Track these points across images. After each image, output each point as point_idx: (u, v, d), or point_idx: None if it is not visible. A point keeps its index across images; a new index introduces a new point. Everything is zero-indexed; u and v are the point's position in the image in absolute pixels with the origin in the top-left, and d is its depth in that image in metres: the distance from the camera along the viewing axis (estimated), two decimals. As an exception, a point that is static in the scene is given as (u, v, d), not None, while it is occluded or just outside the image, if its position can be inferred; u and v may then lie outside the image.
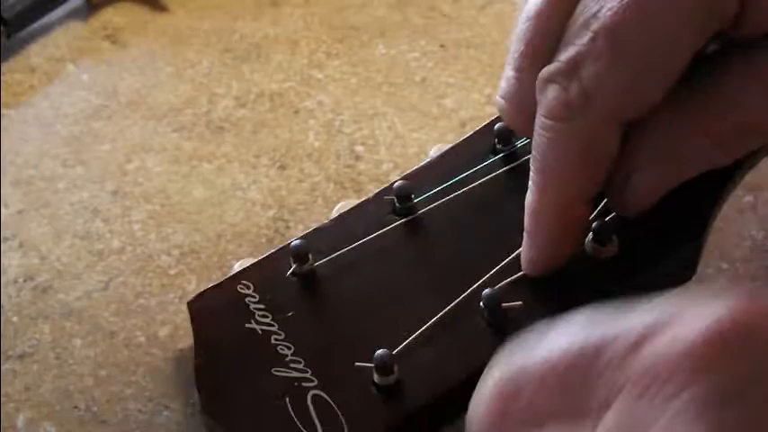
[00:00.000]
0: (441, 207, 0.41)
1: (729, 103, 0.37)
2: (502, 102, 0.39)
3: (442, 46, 0.59)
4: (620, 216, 0.39)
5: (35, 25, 0.60)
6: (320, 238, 0.41)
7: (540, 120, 0.37)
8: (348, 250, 0.40)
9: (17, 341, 0.46)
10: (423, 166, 0.43)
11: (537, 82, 0.37)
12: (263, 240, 0.49)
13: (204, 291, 0.40)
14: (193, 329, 0.39)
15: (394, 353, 0.36)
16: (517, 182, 0.41)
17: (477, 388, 0.31)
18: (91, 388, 0.44)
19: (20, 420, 0.43)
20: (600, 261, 0.38)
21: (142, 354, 0.45)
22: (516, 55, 0.38)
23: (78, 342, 0.46)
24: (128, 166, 0.53)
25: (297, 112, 0.55)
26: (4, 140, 0.54)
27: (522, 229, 0.38)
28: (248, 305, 0.39)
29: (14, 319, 0.47)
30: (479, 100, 0.55)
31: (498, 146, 0.43)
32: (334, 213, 0.42)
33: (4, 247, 0.49)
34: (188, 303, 0.40)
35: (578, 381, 0.29)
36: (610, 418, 0.27)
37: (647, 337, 0.28)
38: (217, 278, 0.48)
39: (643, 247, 0.38)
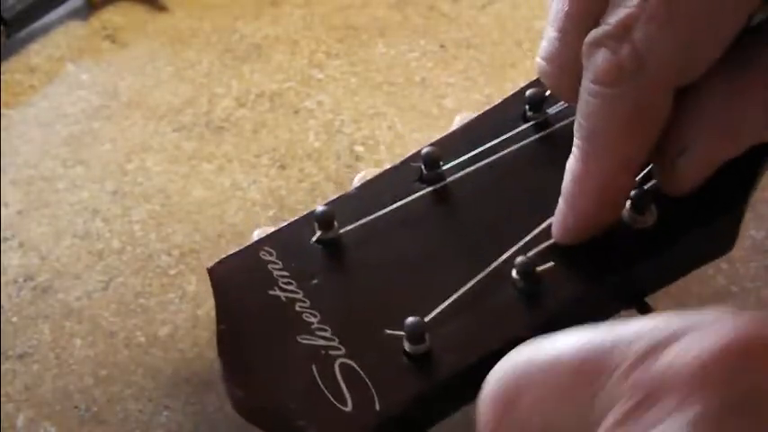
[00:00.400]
0: (469, 175, 0.40)
1: None
2: (543, 64, 0.38)
3: (442, 46, 0.59)
4: (657, 187, 0.38)
5: (35, 25, 0.60)
6: (345, 204, 0.39)
7: (587, 85, 0.36)
8: (375, 218, 0.39)
9: (17, 341, 0.46)
10: (451, 133, 0.42)
11: (584, 45, 0.36)
12: (263, 240, 0.49)
13: (225, 257, 0.39)
14: (215, 296, 0.38)
15: (425, 321, 0.35)
16: (548, 150, 0.40)
17: (484, 383, 0.31)
18: (91, 388, 0.44)
19: (20, 420, 0.43)
20: (637, 230, 0.37)
21: (142, 354, 0.45)
22: (560, 14, 0.37)
23: (78, 342, 0.46)
24: (128, 166, 0.53)
25: (297, 112, 0.55)
26: (4, 140, 0.54)
27: (554, 197, 0.37)
28: (271, 272, 0.38)
29: (14, 319, 0.47)
30: (479, 100, 0.55)
31: (529, 113, 0.42)
32: (356, 182, 0.41)
33: (4, 247, 0.49)
34: (209, 270, 0.39)
35: (585, 383, 0.29)
36: (609, 421, 0.27)
37: (659, 347, 0.28)
38: (217, 278, 0.48)
39: (681, 217, 0.37)
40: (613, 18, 0.35)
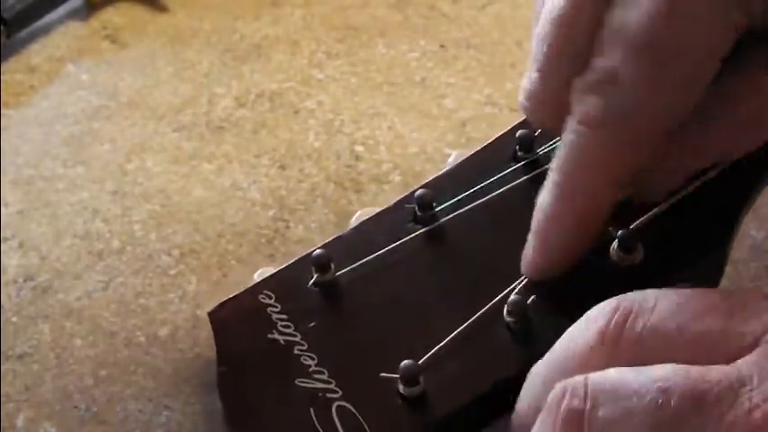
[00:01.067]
0: (462, 216, 0.41)
1: (744, 97, 0.36)
2: (525, 103, 0.39)
3: (442, 46, 0.59)
4: (645, 223, 0.38)
5: (35, 25, 0.60)
6: (341, 247, 0.40)
7: (573, 125, 0.36)
8: (370, 259, 0.40)
9: (17, 341, 0.46)
10: (443, 174, 0.42)
11: (574, 91, 0.36)
12: (263, 240, 0.49)
13: (225, 301, 0.40)
14: (215, 340, 0.39)
15: (419, 363, 0.36)
16: (539, 190, 0.41)
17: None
18: (91, 388, 0.44)
19: (20, 420, 0.43)
20: (625, 269, 0.38)
21: (142, 354, 0.45)
22: (539, 56, 0.38)
23: (78, 342, 0.46)
24: (128, 166, 0.53)
25: (297, 112, 0.55)
26: (4, 140, 0.54)
27: None
28: (270, 315, 0.39)
29: (14, 319, 0.47)
30: (479, 100, 0.55)
31: (520, 153, 0.42)
32: (354, 222, 0.41)
33: (4, 247, 0.49)
34: (209, 314, 0.40)
35: (722, 317, 0.28)
36: (745, 360, 0.27)
37: None
38: (217, 278, 0.48)
39: (668, 254, 0.38)
40: (600, 65, 0.35)
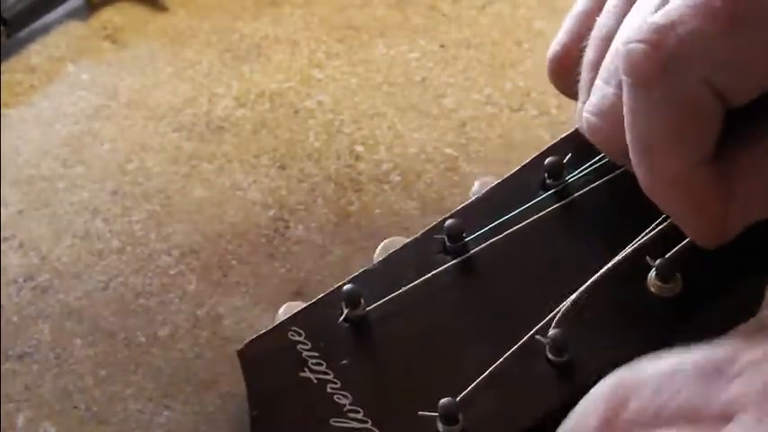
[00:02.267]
0: (493, 246, 0.40)
1: None
2: (595, 120, 0.37)
3: (442, 46, 0.59)
4: (682, 252, 0.38)
5: (35, 25, 0.60)
6: (371, 280, 0.39)
7: (628, 91, 0.34)
8: (401, 293, 0.39)
9: (17, 341, 0.46)
10: (472, 203, 0.42)
11: (622, 44, 0.34)
12: (263, 240, 0.49)
13: (253, 339, 0.39)
14: (246, 380, 0.38)
15: (458, 399, 0.35)
16: (571, 218, 0.40)
17: (580, 402, 0.31)
18: (91, 388, 0.44)
19: (20, 420, 0.43)
20: (664, 299, 0.37)
21: (142, 354, 0.45)
22: (615, 68, 0.36)
23: (78, 342, 0.46)
24: (128, 166, 0.53)
25: (297, 112, 0.55)
26: (4, 140, 0.54)
27: (577, 266, 0.38)
28: (301, 353, 0.38)
29: (14, 319, 0.47)
30: (479, 100, 0.55)
31: (549, 181, 0.41)
32: (379, 252, 0.41)
33: (4, 247, 0.49)
34: (238, 352, 0.39)
35: (701, 384, 0.28)
36: (738, 421, 0.27)
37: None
38: (217, 278, 0.48)
39: (707, 282, 0.38)
40: (657, 15, 0.34)
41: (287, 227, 0.50)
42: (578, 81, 0.40)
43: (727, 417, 0.27)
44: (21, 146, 0.54)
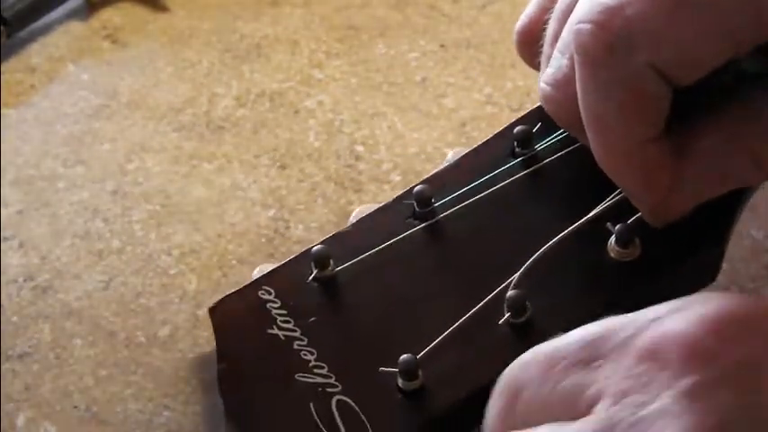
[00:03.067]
0: (461, 211, 0.41)
1: None
2: (549, 89, 0.38)
3: (442, 46, 0.59)
4: (642, 219, 0.39)
5: (35, 25, 0.60)
6: (341, 243, 0.40)
7: (580, 69, 0.35)
8: (369, 255, 0.40)
9: (17, 341, 0.46)
10: (442, 170, 0.43)
11: (572, 25, 0.35)
12: (263, 240, 0.49)
13: (225, 297, 0.40)
14: (215, 335, 0.39)
15: (418, 357, 0.36)
16: (538, 185, 0.41)
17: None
18: (91, 388, 0.44)
19: (20, 420, 0.43)
20: (622, 264, 0.38)
21: (142, 354, 0.45)
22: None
23: (78, 342, 0.46)
24: (128, 166, 0.53)
25: (297, 112, 0.55)
26: (4, 140, 0.54)
27: (542, 232, 0.38)
28: (270, 311, 0.39)
29: (14, 319, 0.47)
30: (479, 100, 0.55)
31: (518, 149, 0.42)
32: (353, 218, 0.42)
33: (4, 247, 0.49)
34: (209, 309, 0.40)
35: (582, 363, 0.29)
36: (608, 398, 0.28)
37: (650, 326, 0.28)
38: (217, 278, 0.48)
39: (665, 249, 0.38)
40: None
41: (287, 227, 0.50)
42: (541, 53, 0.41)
43: (595, 404, 0.28)
44: (21, 146, 0.54)
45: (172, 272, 0.48)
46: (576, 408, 0.29)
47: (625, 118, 0.36)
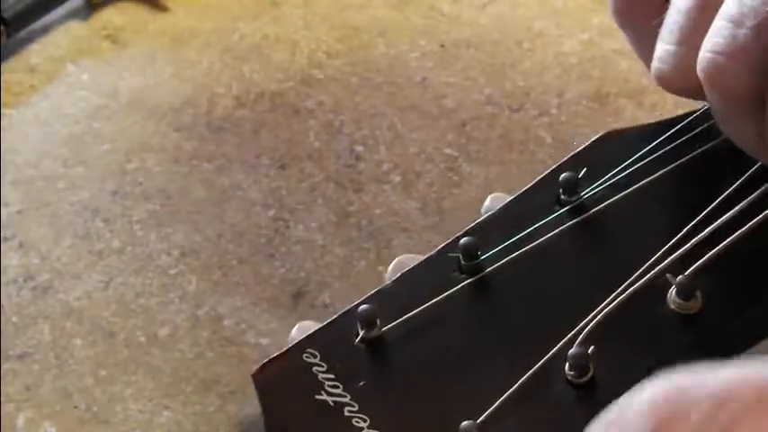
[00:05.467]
0: (509, 264, 0.39)
1: None
2: (720, 59, 0.37)
3: (442, 46, 0.59)
4: (701, 271, 0.37)
5: (35, 25, 0.60)
6: (386, 300, 0.39)
7: None
8: (416, 313, 0.38)
9: (17, 341, 0.46)
10: (486, 220, 0.41)
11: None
12: (263, 240, 0.49)
13: (267, 361, 0.38)
14: (261, 403, 0.37)
15: (478, 422, 0.34)
16: (587, 235, 0.40)
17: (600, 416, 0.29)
18: (91, 388, 0.44)
19: (20, 420, 0.43)
20: (684, 316, 0.37)
21: (142, 354, 0.45)
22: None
23: (78, 342, 0.46)
24: (128, 166, 0.53)
25: (297, 112, 0.55)
26: (4, 140, 0.54)
27: (595, 284, 0.37)
28: (316, 375, 0.37)
29: (14, 319, 0.47)
30: (479, 100, 0.55)
31: (563, 197, 0.41)
32: (391, 270, 0.40)
33: (4, 247, 0.49)
34: (253, 375, 0.38)
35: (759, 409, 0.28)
36: None
37: None
38: (217, 278, 0.48)
39: (727, 300, 0.37)
40: None
41: (287, 227, 0.50)
42: (658, 23, 0.40)
43: None
44: (21, 146, 0.54)
45: (172, 272, 0.48)
46: None
47: None
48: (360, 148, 0.53)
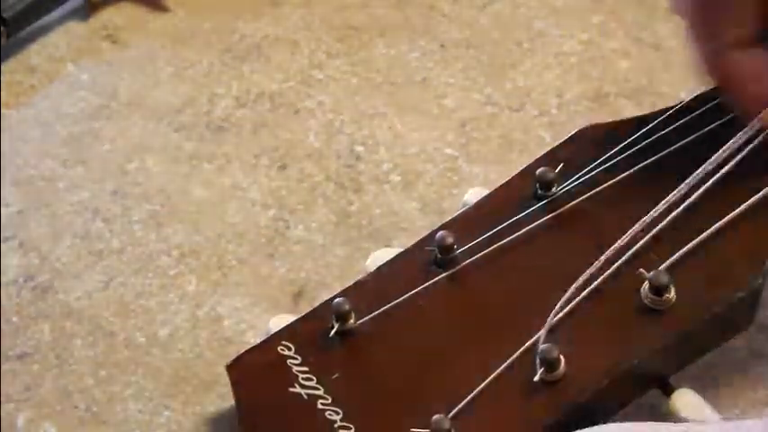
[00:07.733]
0: (485, 258, 0.39)
1: None
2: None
3: (442, 46, 0.58)
4: (675, 265, 0.38)
5: (35, 25, 0.60)
6: (361, 293, 0.39)
7: None
8: (391, 306, 0.38)
9: (17, 341, 0.46)
10: (462, 214, 0.41)
11: None
12: (263, 240, 0.49)
13: (242, 353, 0.38)
14: (235, 395, 0.37)
15: (449, 416, 0.35)
16: (562, 229, 0.40)
17: None
18: (91, 388, 0.44)
19: (20, 420, 0.43)
20: (657, 311, 0.37)
21: (142, 354, 0.45)
22: None
23: (78, 342, 0.46)
24: (128, 166, 0.53)
25: (297, 112, 0.55)
26: (4, 140, 0.54)
27: (569, 278, 0.37)
28: (291, 367, 0.37)
29: (14, 319, 0.47)
30: (479, 100, 0.55)
31: (540, 191, 0.41)
32: (369, 263, 0.40)
33: (4, 247, 0.49)
34: (227, 367, 0.38)
35: None
36: None
37: None
38: (217, 278, 0.48)
39: (700, 295, 0.37)
40: None
41: (287, 227, 0.50)
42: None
43: None
44: (21, 146, 0.54)
45: (172, 272, 0.48)
46: None
47: None
48: (360, 148, 0.53)
